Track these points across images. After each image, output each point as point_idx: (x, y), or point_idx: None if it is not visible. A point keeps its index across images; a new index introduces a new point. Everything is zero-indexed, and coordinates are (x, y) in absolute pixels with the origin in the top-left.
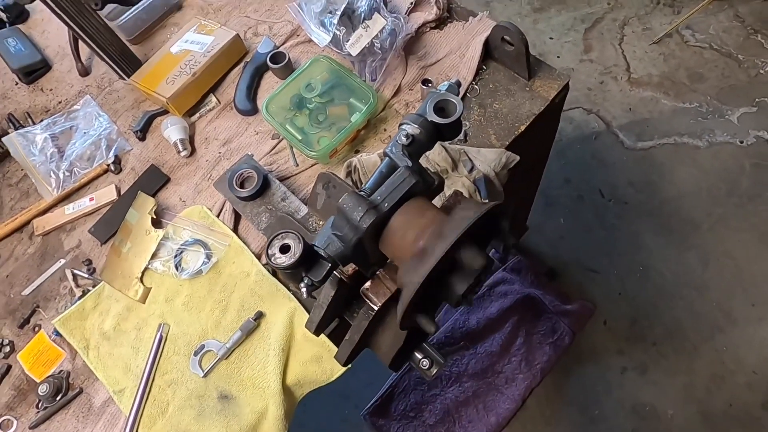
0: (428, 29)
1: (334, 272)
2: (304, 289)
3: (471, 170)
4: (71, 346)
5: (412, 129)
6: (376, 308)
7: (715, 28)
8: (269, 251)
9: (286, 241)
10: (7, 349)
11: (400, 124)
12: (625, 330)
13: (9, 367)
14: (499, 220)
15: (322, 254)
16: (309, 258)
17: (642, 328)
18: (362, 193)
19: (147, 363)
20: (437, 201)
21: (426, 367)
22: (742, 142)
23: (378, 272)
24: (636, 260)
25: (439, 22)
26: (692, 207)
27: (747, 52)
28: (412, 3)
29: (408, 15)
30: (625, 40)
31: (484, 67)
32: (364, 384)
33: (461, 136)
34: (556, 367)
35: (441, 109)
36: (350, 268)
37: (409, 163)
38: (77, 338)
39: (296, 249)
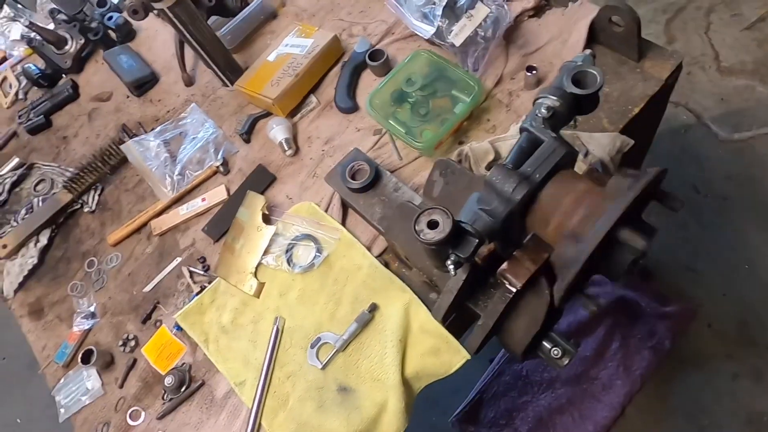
0: (526, 18)
1: None
2: (451, 266)
3: (585, 155)
4: (192, 339)
5: (552, 102)
6: (515, 290)
7: None
8: (416, 227)
9: (434, 216)
10: (133, 343)
11: (536, 99)
12: (733, 333)
13: (135, 361)
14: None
15: (470, 230)
16: (454, 236)
17: (752, 331)
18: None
19: (266, 355)
20: None
21: (557, 356)
22: None
23: (515, 253)
24: (741, 258)
25: (538, 10)
26: None
27: None
28: None
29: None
30: (712, 28)
31: (593, 52)
32: (451, 390)
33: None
34: (658, 373)
35: (578, 81)
36: (487, 249)
37: (554, 135)
38: (197, 332)
39: (445, 224)
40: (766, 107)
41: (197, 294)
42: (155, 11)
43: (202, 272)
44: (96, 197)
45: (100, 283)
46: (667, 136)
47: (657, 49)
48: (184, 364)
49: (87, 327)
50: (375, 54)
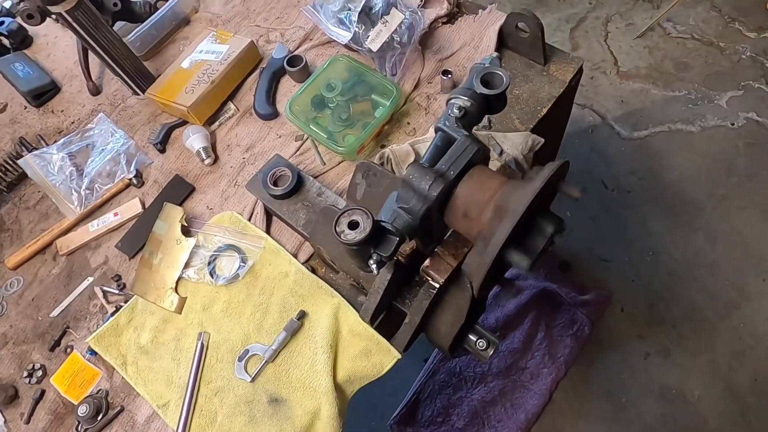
0: (440, 24)
1: None
2: (374, 266)
3: (500, 154)
4: (107, 363)
5: (463, 102)
6: (438, 285)
7: (694, 19)
8: (337, 229)
9: (354, 217)
10: (39, 373)
11: (449, 99)
12: (643, 315)
13: (43, 392)
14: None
15: (390, 228)
16: (375, 236)
17: (659, 312)
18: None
19: (190, 373)
20: None
21: (483, 348)
22: (733, 124)
23: (437, 249)
24: (646, 246)
25: (450, 17)
26: (694, 189)
27: (727, 40)
28: (422, 0)
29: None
30: (610, 36)
31: (500, 54)
32: (389, 394)
33: (485, 122)
34: (579, 358)
35: (486, 82)
36: (408, 247)
37: (467, 134)
38: (113, 355)
39: (365, 224)
40: (659, 107)
41: (112, 315)
42: (53, 16)
43: (117, 291)
44: None
45: None
46: (577, 136)
47: (561, 54)
48: (99, 390)
49: None
50: (293, 60)
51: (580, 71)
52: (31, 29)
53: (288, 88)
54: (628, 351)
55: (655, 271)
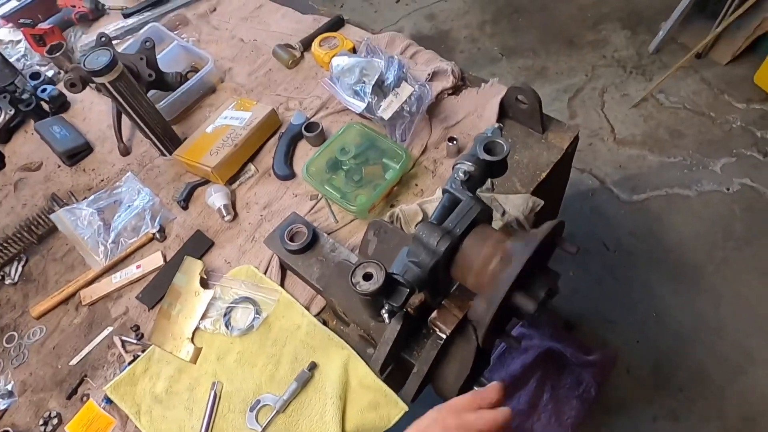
0: (446, 95)
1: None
2: (386, 315)
3: (503, 214)
4: (122, 412)
5: (468, 167)
6: (444, 336)
7: (685, 91)
8: (353, 280)
9: (368, 269)
10: (55, 421)
11: (455, 164)
12: (650, 377)
13: None
14: (554, 244)
15: (401, 280)
16: (387, 287)
17: (666, 374)
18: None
19: (203, 423)
20: None
21: None
22: (728, 189)
23: (443, 302)
24: (650, 307)
25: (456, 89)
26: (694, 252)
27: (717, 110)
28: (429, 74)
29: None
30: (606, 106)
31: (501, 124)
32: None
33: (489, 185)
34: (587, 421)
35: (489, 150)
36: (417, 299)
37: (471, 195)
38: (128, 404)
39: (378, 276)
40: (656, 172)
41: (129, 364)
42: (93, 85)
43: (135, 341)
44: (20, 268)
45: (20, 359)
46: (577, 198)
47: (557, 123)
48: None
49: (3, 407)
50: (310, 126)
51: (576, 139)
52: (69, 95)
53: (305, 151)
54: (636, 415)
55: (660, 333)
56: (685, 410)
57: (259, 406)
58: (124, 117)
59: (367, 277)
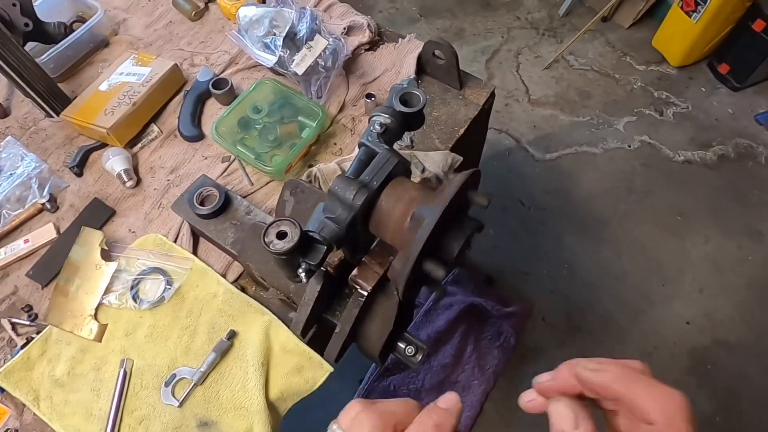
0: (363, 51)
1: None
2: (303, 274)
3: (423, 171)
4: (17, 401)
5: (384, 119)
6: (366, 293)
7: (592, 53)
8: (266, 239)
9: (282, 227)
10: None
11: (371, 117)
12: (563, 324)
13: None
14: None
15: (318, 237)
16: (303, 245)
17: (577, 320)
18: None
19: (112, 403)
20: None
21: (411, 354)
22: (630, 146)
23: (364, 259)
24: (561, 259)
25: (373, 45)
26: (601, 206)
27: (621, 72)
28: (345, 28)
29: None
30: (521, 67)
31: (419, 80)
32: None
33: (408, 141)
34: (507, 368)
35: (405, 101)
36: (336, 257)
37: (388, 147)
38: (24, 390)
39: (293, 234)
40: (567, 132)
41: (22, 348)
42: None
43: (27, 322)
44: None
45: None
46: (495, 158)
47: (474, 80)
48: (8, 430)
49: None
50: (219, 82)
51: (492, 95)
52: None
53: (213, 110)
54: (551, 358)
55: (571, 282)
56: (593, 351)
57: (175, 380)
58: None
59: (281, 235)
